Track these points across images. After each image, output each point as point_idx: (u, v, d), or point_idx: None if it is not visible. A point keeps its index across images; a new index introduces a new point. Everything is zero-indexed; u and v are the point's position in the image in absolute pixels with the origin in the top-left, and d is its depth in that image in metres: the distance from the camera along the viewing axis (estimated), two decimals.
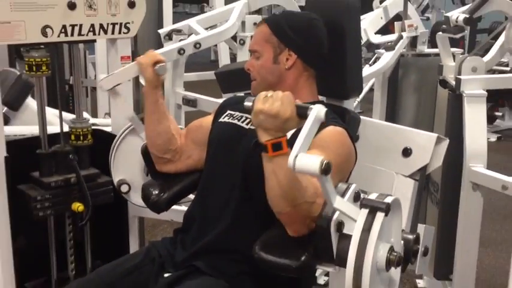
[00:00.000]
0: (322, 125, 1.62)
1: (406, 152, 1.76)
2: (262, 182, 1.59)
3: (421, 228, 1.68)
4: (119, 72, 2.03)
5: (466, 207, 2.41)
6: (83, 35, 2.05)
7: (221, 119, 1.81)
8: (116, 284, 1.64)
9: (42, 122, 2.09)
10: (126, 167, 2.12)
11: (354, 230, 1.33)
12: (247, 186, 1.63)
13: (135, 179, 2.14)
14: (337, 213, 1.41)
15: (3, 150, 1.98)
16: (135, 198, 2.14)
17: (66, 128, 2.16)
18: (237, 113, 1.79)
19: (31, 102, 2.92)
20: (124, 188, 2.08)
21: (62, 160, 2.12)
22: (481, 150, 2.39)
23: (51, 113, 3.04)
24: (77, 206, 2.12)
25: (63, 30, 1.99)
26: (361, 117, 1.86)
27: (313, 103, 1.72)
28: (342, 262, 1.41)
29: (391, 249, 1.38)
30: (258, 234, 1.56)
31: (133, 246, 2.40)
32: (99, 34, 2.08)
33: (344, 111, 1.82)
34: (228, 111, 1.82)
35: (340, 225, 1.41)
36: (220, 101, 3.35)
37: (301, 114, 1.39)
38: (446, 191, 2.60)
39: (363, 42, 2.94)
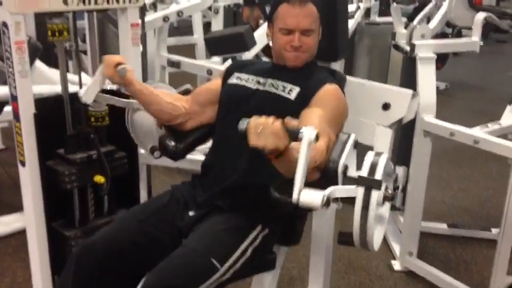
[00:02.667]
0: (320, 83, 1.64)
1: (386, 106, 1.78)
2: None
3: (398, 169, 1.72)
4: (91, 83, 1.83)
5: (418, 151, 2.48)
6: (98, 4, 1.94)
7: (230, 81, 1.78)
8: (146, 220, 1.62)
9: (65, 85, 2.00)
10: (146, 137, 2.03)
11: (362, 170, 1.34)
12: None
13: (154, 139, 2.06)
14: (343, 158, 1.43)
15: (32, 107, 1.90)
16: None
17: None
18: (243, 75, 1.77)
19: (38, 64, 2.79)
20: (156, 155, 1.96)
21: (84, 139, 2.06)
22: (431, 103, 2.45)
23: (55, 73, 2.91)
24: (99, 179, 2.07)
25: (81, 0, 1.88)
26: (347, 76, 1.86)
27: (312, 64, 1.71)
28: (347, 199, 1.44)
29: (386, 187, 1.42)
30: (270, 175, 1.55)
31: (143, 191, 2.37)
32: (112, 3, 1.98)
33: (333, 71, 1.82)
34: (236, 74, 1.79)
35: (346, 168, 1.43)
36: (201, 62, 3.30)
37: (293, 138, 1.27)
38: (401, 138, 2.66)
39: None
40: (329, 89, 1.63)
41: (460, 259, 2.86)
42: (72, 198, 2.12)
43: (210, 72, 2.96)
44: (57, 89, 2.11)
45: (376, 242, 1.43)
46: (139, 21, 2.12)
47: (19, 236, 2.72)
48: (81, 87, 2.05)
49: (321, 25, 1.70)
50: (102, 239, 1.57)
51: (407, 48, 2.59)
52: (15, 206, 2.72)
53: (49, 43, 2.05)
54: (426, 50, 2.49)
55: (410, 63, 2.53)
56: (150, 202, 1.70)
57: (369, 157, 1.35)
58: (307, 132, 1.24)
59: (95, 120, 2.07)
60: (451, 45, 2.83)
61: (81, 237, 2.16)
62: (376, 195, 1.28)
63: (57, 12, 1.89)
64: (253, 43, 2.70)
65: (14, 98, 1.87)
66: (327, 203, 1.25)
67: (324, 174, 1.44)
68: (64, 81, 2.00)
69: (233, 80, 1.77)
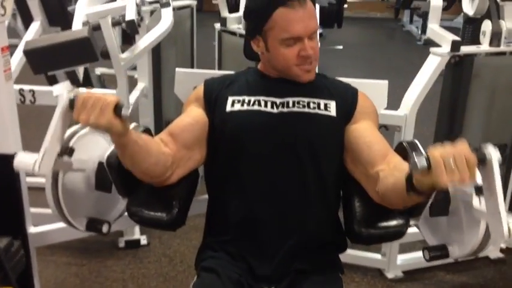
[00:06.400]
0: (350, 91, 1.45)
1: None
2: (335, 162, 1.38)
3: None
4: (48, 145, 1.22)
5: None
6: None
7: (231, 109, 1.38)
8: None
9: None
10: (80, 208, 1.38)
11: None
12: (320, 173, 1.35)
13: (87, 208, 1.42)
14: None
15: None
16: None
17: None
18: (246, 98, 1.39)
19: None
20: (105, 228, 1.36)
21: None
22: None
23: None
24: None
25: None
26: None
27: None
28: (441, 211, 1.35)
29: None
30: (336, 212, 1.40)
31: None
32: None
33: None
34: (232, 98, 1.40)
35: None
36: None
37: (482, 162, 1.07)
38: None
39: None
40: (363, 96, 1.45)
41: None
42: None
43: None
44: None
45: None
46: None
47: None
48: None
49: None
50: None
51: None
52: None
53: None
54: None
55: None
56: None
57: None
58: (494, 153, 1.07)
59: None
60: None
61: None
62: None
63: None
64: (98, 48, 2.12)
65: None
66: None
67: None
68: None
69: (235, 106, 1.38)
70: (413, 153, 1.03)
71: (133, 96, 2.63)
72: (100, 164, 1.36)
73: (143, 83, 2.82)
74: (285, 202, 1.33)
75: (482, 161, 1.06)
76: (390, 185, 1.20)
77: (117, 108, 1.13)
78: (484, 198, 1.13)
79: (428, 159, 1.01)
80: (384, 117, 1.62)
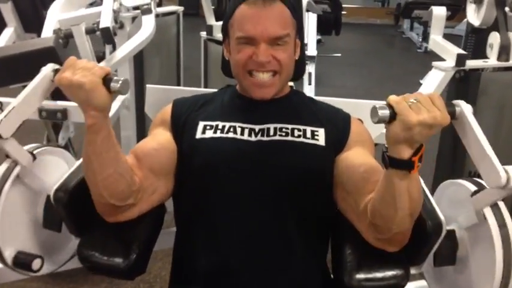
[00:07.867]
0: (341, 117, 1.26)
1: None
2: (322, 199, 1.17)
3: None
4: (17, 107, 1.11)
5: None
6: None
7: (201, 136, 1.18)
8: None
9: None
10: (17, 232, 1.18)
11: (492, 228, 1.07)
12: (305, 212, 1.15)
13: (28, 242, 1.22)
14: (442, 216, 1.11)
15: None
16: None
17: None
18: (220, 123, 1.20)
19: None
20: (37, 264, 1.15)
21: None
22: None
23: None
24: None
25: None
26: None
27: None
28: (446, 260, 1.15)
29: None
30: (323, 258, 1.21)
31: None
32: None
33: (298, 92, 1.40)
34: (203, 123, 1.20)
35: None
36: None
37: (451, 112, 1.04)
38: None
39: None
40: (357, 122, 1.26)
41: None
42: None
43: None
44: None
45: None
46: None
47: None
48: None
49: (298, 37, 1.24)
50: None
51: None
52: None
53: None
54: None
55: None
56: None
57: None
58: (465, 106, 1.05)
59: None
60: None
61: None
62: None
63: None
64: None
65: None
66: None
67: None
68: None
69: (206, 133, 1.18)
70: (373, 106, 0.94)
71: (113, 108, 2.44)
72: (48, 197, 1.16)
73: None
74: (263, 248, 1.13)
75: (454, 114, 1.04)
76: (375, 196, 1.03)
77: (107, 79, 1.02)
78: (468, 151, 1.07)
79: (390, 105, 0.92)
80: (382, 136, 1.43)
